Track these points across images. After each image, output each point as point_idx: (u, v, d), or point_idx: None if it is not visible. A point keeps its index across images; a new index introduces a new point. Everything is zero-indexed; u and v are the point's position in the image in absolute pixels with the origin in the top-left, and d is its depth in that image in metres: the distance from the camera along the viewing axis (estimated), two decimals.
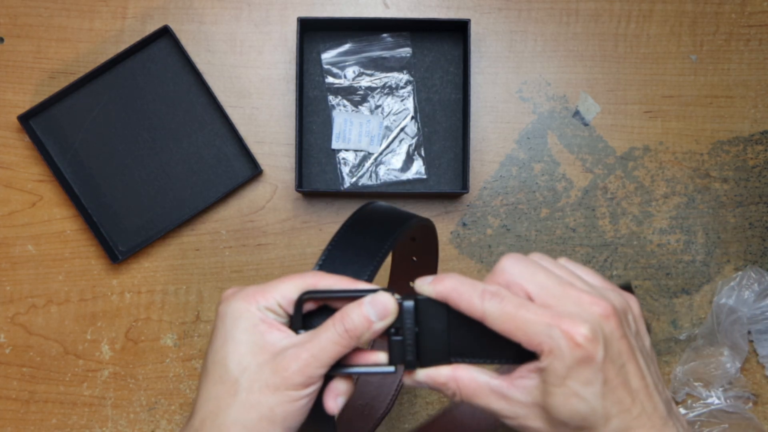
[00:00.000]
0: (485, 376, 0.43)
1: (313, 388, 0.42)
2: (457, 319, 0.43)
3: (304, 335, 0.43)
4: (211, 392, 0.43)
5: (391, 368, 0.44)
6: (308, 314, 0.45)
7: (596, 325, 0.41)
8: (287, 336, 0.43)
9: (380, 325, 0.42)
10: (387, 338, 0.44)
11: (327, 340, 0.42)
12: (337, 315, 0.43)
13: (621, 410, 0.42)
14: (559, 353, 0.40)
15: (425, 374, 0.44)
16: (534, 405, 0.42)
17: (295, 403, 0.42)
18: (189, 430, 0.44)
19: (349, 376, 0.45)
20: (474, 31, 0.80)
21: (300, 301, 0.43)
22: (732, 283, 0.78)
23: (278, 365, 0.42)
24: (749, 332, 0.78)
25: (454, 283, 0.42)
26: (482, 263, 0.79)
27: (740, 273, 0.78)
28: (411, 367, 0.44)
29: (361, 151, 0.79)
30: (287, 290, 0.44)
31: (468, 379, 0.43)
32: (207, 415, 0.43)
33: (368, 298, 0.42)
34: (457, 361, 0.44)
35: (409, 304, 0.43)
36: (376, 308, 0.42)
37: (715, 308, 0.78)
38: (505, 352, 0.43)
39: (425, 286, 0.43)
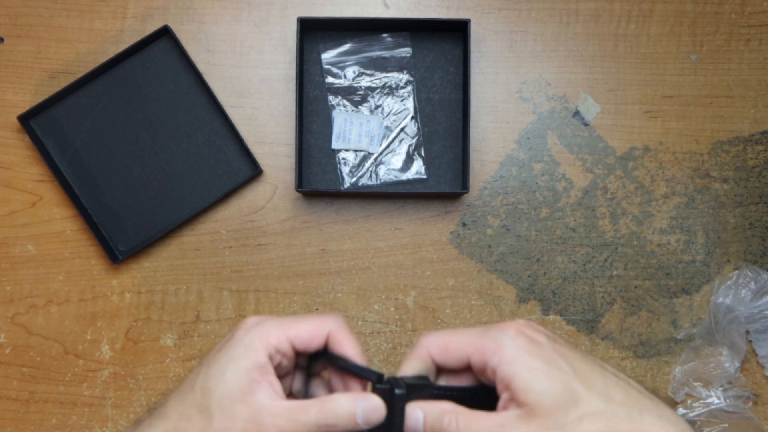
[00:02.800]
0: (479, 412, 0.44)
1: None
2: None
3: (288, 406, 0.42)
4: (184, 411, 0.43)
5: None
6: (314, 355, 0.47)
7: (524, 324, 0.45)
8: (274, 398, 0.43)
9: (364, 428, 0.43)
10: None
11: (303, 424, 0.42)
12: (327, 404, 0.43)
13: (603, 379, 0.43)
14: (505, 344, 0.43)
15: (436, 412, 0.45)
16: (525, 416, 0.42)
17: None
18: (146, 429, 0.44)
19: None
20: (474, 31, 0.80)
21: (313, 357, 0.45)
22: (728, 282, 0.78)
23: (254, 426, 0.41)
24: (747, 332, 0.78)
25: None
26: (482, 263, 0.79)
27: (736, 272, 0.78)
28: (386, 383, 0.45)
29: (361, 151, 0.79)
30: (305, 333, 0.44)
31: (467, 412, 0.44)
32: (169, 430, 0.43)
33: (362, 402, 0.43)
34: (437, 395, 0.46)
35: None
36: (367, 413, 0.43)
37: (712, 307, 0.78)
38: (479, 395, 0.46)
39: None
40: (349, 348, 0.45)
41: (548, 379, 0.42)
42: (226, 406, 0.42)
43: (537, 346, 0.43)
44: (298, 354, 0.46)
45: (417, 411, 0.44)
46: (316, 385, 0.50)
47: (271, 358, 0.43)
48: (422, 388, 0.45)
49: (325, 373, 0.50)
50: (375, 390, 0.44)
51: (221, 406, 0.42)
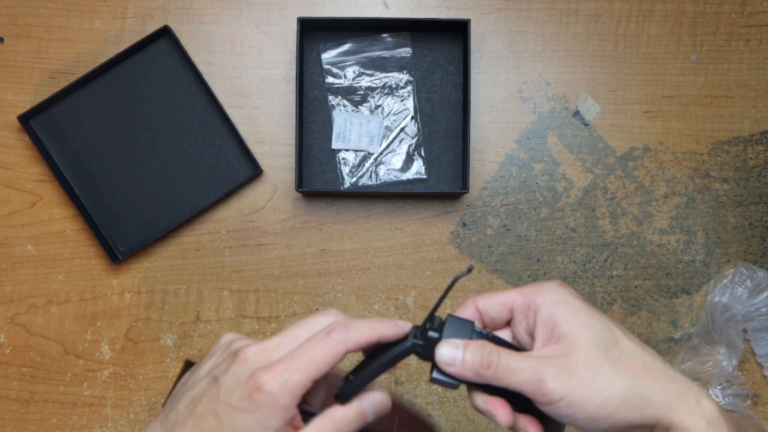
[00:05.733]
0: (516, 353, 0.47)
1: None
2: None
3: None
4: None
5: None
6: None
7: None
8: None
9: (375, 419, 0.46)
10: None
11: None
12: (338, 414, 0.45)
13: (636, 344, 0.46)
14: (551, 291, 0.46)
15: (478, 351, 0.46)
16: (567, 348, 0.44)
17: None
18: None
19: None
20: (474, 31, 0.80)
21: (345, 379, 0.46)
22: (725, 281, 0.78)
23: None
24: (745, 330, 0.78)
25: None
26: (482, 263, 0.79)
27: (732, 270, 0.78)
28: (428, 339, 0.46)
29: (361, 151, 0.79)
30: (321, 365, 0.44)
31: (508, 351, 0.46)
32: None
33: (368, 399, 0.45)
34: (477, 337, 0.47)
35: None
36: (375, 408, 0.45)
37: (709, 306, 0.78)
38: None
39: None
40: (368, 342, 0.46)
41: (590, 318, 0.45)
42: None
43: (578, 298, 0.46)
44: None
45: (457, 345, 0.46)
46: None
47: (298, 404, 0.44)
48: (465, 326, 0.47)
49: None
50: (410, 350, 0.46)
51: None
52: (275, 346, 0.44)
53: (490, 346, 0.45)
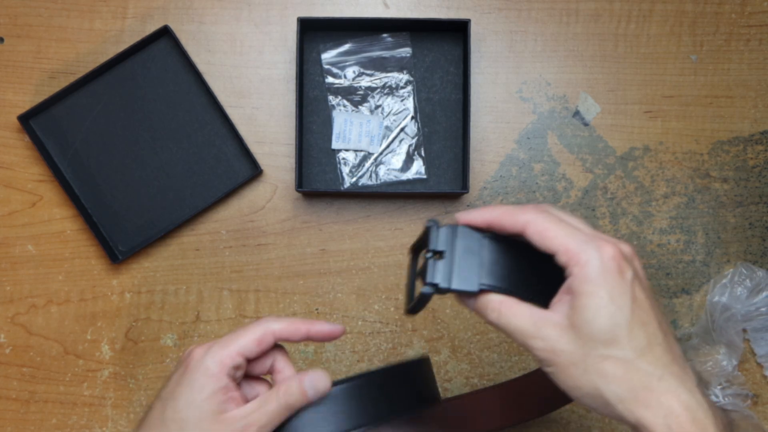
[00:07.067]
0: (526, 304, 0.47)
1: None
2: (493, 251, 0.48)
3: (253, 405, 0.47)
4: None
5: (428, 289, 0.48)
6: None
7: (620, 248, 0.46)
8: (241, 406, 0.47)
9: (316, 397, 0.48)
10: (424, 260, 0.48)
11: (272, 413, 0.47)
12: (281, 390, 0.48)
13: (648, 334, 0.45)
14: (594, 263, 0.44)
15: (483, 299, 0.48)
16: (566, 327, 0.45)
17: None
18: None
19: None
20: (474, 31, 0.80)
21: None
22: (724, 281, 0.78)
23: None
24: (744, 330, 0.78)
25: (498, 209, 0.48)
26: None
27: (732, 270, 0.78)
28: (441, 291, 0.48)
29: (361, 151, 0.79)
30: (251, 343, 0.48)
31: (512, 303, 0.47)
32: None
33: (307, 377, 0.48)
34: (484, 290, 0.48)
35: (445, 229, 0.48)
36: (314, 384, 0.48)
37: (708, 306, 0.78)
38: (534, 286, 0.48)
39: (468, 215, 0.49)
40: (290, 326, 0.50)
41: (602, 313, 0.44)
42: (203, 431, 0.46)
43: (618, 278, 0.45)
44: (250, 360, 0.50)
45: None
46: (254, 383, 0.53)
47: (230, 376, 0.48)
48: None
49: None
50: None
51: None
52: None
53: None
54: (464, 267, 0.48)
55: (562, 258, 0.46)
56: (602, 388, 0.44)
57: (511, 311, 0.47)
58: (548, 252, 0.46)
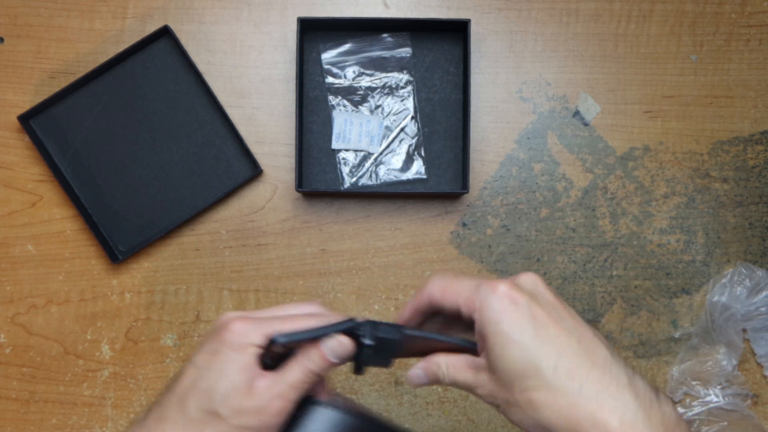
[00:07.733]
0: (465, 355, 0.50)
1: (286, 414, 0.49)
2: (408, 338, 0.51)
3: (276, 376, 0.48)
4: (189, 414, 0.47)
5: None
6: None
7: (516, 281, 0.48)
8: (266, 380, 0.48)
9: (337, 362, 0.49)
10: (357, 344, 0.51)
11: (294, 381, 0.48)
12: (302, 357, 0.49)
13: (559, 349, 0.45)
14: (487, 304, 0.46)
15: (422, 365, 0.51)
16: (490, 370, 0.47)
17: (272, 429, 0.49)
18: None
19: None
20: (474, 31, 0.80)
21: (270, 343, 0.49)
22: (723, 281, 0.78)
23: (262, 408, 0.47)
24: (744, 330, 0.78)
25: (408, 304, 0.54)
26: (482, 263, 0.79)
27: (731, 270, 0.78)
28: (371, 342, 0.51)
29: (361, 151, 0.79)
30: (283, 329, 0.49)
31: (454, 359, 0.50)
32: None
33: (327, 342, 0.49)
34: (408, 335, 0.51)
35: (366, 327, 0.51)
36: (333, 349, 0.49)
37: (708, 306, 0.78)
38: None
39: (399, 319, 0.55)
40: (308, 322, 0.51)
41: (507, 349, 0.46)
42: (234, 404, 0.46)
43: (512, 310, 0.46)
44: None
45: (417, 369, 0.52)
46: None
47: (258, 356, 0.48)
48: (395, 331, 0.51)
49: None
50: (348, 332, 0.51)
51: (229, 405, 0.46)
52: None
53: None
54: (387, 330, 0.51)
55: (464, 310, 0.48)
56: (538, 419, 0.45)
57: (455, 365, 0.50)
58: (455, 310, 0.49)
